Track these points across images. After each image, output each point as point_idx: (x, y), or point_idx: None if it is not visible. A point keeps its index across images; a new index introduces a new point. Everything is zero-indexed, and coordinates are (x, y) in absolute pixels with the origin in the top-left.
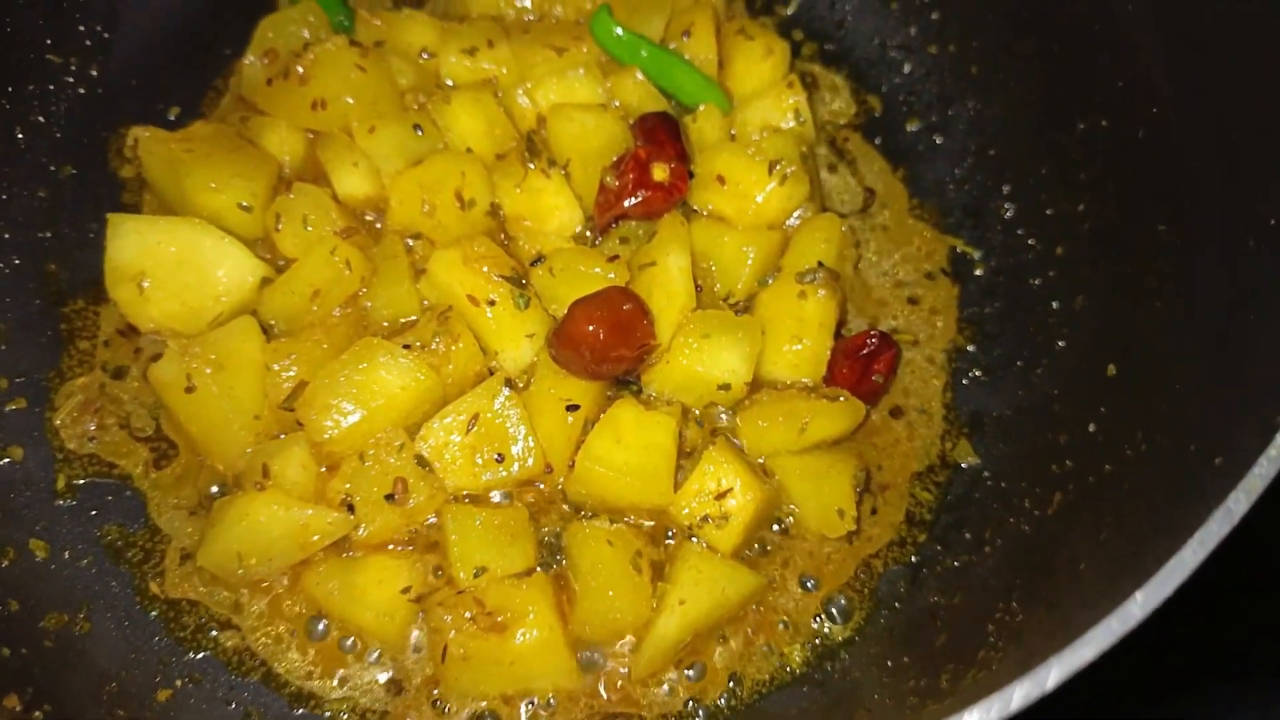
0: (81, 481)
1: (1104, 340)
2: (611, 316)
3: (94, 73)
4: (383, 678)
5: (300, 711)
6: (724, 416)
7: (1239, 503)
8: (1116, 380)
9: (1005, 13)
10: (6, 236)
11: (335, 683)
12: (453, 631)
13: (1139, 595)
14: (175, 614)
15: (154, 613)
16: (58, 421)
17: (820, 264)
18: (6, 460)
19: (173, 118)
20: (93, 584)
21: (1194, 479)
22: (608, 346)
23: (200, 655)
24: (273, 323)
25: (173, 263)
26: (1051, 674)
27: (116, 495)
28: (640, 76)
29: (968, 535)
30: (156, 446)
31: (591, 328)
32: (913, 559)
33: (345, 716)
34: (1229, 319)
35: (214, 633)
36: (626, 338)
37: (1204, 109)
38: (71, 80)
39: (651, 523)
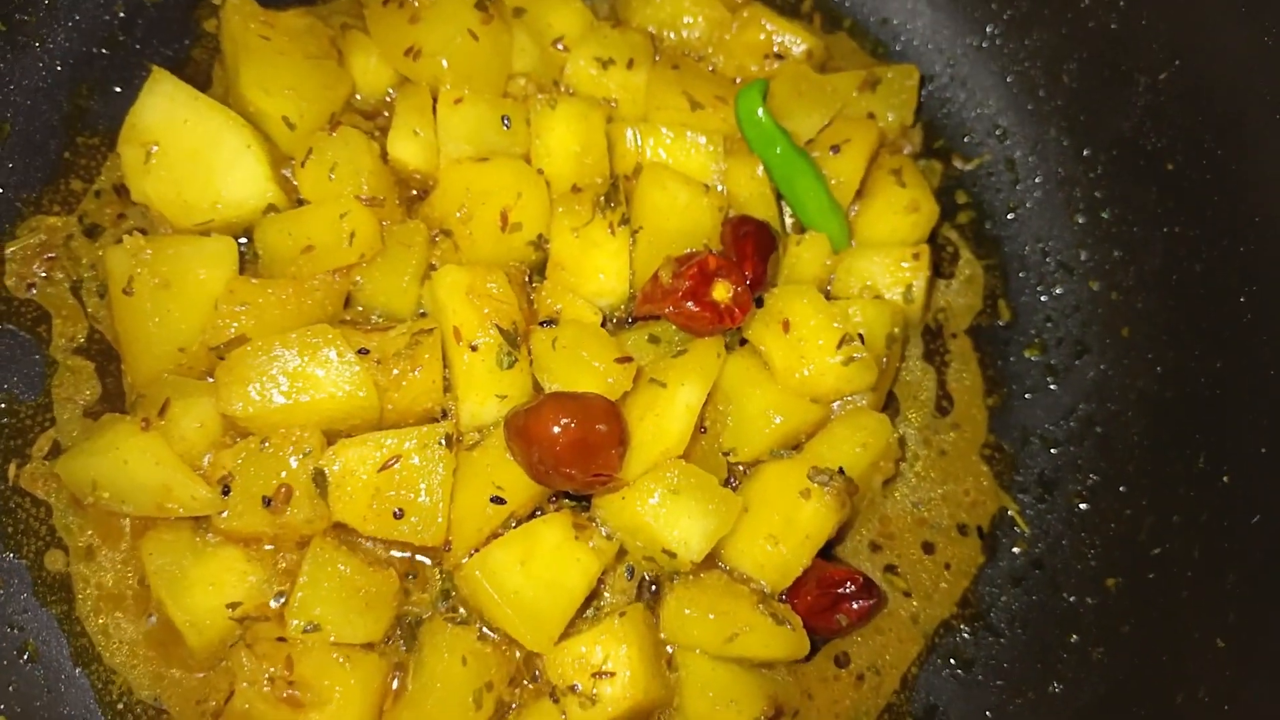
0: None
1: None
2: (581, 430)
3: None
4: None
5: (77, 670)
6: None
7: None
8: None
9: (1187, 298)
10: (60, 38)
11: (128, 658)
12: (245, 683)
13: None
14: (14, 505)
15: None
16: (8, 251)
17: (841, 470)
18: None
19: None
20: None
21: None
22: (561, 460)
23: (14, 559)
24: (260, 251)
25: (188, 147)
26: None
27: (23, 357)
28: (760, 172)
29: None
30: (91, 327)
31: (555, 430)
32: None
33: (116, 693)
34: None
35: (40, 544)
36: (585, 460)
37: None
38: None
39: (520, 655)
